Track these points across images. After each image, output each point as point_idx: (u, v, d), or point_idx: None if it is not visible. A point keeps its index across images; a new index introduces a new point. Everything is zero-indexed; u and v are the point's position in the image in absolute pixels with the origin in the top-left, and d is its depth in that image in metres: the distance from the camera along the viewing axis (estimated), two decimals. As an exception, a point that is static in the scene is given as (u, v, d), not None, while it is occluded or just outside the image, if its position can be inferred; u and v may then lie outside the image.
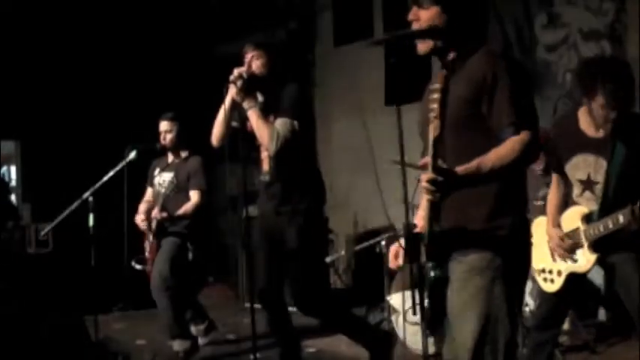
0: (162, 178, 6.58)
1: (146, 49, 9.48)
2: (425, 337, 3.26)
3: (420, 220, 3.34)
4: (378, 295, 7.00)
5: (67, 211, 6.04)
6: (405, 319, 6.00)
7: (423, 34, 3.37)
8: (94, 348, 5.70)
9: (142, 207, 6.71)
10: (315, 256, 5.34)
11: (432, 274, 3.10)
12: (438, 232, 3.03)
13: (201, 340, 6.57)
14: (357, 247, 7.95)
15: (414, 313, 3.33)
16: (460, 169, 2.95)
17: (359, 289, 8.32)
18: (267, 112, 5.10)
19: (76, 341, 5.66)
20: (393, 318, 6.42)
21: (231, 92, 5.04)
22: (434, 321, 3.18)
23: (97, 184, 5.99)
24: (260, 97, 5.20)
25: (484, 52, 3.16)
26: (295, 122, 5.00)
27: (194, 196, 6.42)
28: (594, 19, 7.23)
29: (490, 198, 3.09)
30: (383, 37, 3.56)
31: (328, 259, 7.80)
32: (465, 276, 3.09)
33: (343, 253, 8.28)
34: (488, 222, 3.09)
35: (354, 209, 8.91)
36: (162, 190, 6.49)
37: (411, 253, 3.12)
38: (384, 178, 3.67)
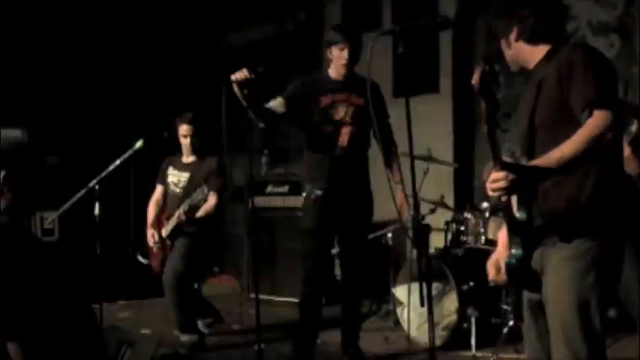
0: (178, 178, 6.57)
1: (152, 39, 9.46)
2: (432, 329, 3.25)
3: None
4: (384, 286, 6.99)
5: (72, 200, 6.04)
6: (409, 311, 6.00)
7: (432, 25, 3.37)
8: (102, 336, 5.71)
9: (151, 209, 6.71)
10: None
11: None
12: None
13: (206, 331, 6.57)
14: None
15: (422, 305, 3.30)
16: (529, 163, 2.98)
17: (365, 281, 8.29)
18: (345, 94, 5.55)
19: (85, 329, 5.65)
20: (399, 310, 6.41)
21: (240, 95, 5.09)
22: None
23: (103, 173, 5.98)
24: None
25: (567, 46, 3.16)
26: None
27: (212, 198, 6.38)
28: (604, 12, 7.19)
29: (589, 186, 3.03)
30: (391, 28, 3.54)
31: (334, 251, 7.79)
32: (560, 261, 3.08)
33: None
34: (586, 210, 3.04)
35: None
36: (178, 190, 6.49)
37: (419, 244, 3.12)
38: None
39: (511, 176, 2.88)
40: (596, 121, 2.89)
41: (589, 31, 7.29)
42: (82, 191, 5.98)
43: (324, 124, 5.53)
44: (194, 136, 6.50)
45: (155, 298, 6.73)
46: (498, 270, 3.33)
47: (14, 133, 9.42)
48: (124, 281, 8.11)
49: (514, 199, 3.08)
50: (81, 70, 9.08)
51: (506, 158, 2.96)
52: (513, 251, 3.07)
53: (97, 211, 5.98)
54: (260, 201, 7.79)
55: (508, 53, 3.29)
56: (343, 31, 5.53)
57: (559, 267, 3.08)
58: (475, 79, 2.93)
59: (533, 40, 3.20)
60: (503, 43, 3.29)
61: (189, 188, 6.39)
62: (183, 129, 6.52)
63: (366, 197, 5.71)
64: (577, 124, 2.95)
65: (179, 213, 6.25)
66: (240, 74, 4.98)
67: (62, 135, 9.05)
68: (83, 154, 8.53)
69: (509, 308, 5.91)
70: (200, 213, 6.31)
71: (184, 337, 6.35)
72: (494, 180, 2.90)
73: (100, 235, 5.97)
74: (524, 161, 3.09)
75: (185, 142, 6.54)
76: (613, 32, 7.12)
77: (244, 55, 5.19)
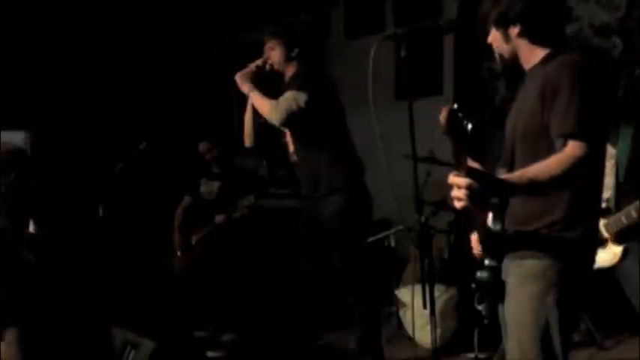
0: (211, 188, 6.80)
1: (155, 40, 9.47)
2: (434, 330, 3.27)
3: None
4: (387, 288, 7.00)
5: (76, 202, 6.09)
6: (413, 313, 6.01)
7: (435, 29, 3.35)
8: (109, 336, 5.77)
9: (179, 215, 6.95)
10: (358, 237, 5.30)
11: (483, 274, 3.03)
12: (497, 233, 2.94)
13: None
14: (367, 240, 7.93)
15: (425, 307, 3.31)
16: (503, 176, 2.83)
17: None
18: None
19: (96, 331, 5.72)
20: (402, 312, 6.42)
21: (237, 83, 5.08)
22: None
23: (108, 175, 6.01)
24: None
25: (558, 59, 2.98)
26: (302, 94, 4.95)
27: (247, 200, 6.57)
28: (605, 14, 7.20)
29: (561, 205, 2.91)
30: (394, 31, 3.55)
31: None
32: (519, 281, 3.00)
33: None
34: (553, 228, 2.94)
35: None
36: (212, 198, 6.76)
37: (422, 246, 3.11)
38: (395, 171, 3.67)
39: (475, 185, 2.70)
40: (570, 152, 2.77)
41: (591, 33, 7.31)
42: (86, 193, 6.03)
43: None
44: (217, 148, 6.74)
45: (160, 299, 6.77)
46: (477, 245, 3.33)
47: (17, 136, 9.43)
48: (128, 282, 8.13)
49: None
50: (85, 72, 9.08)
51: (473, 164, 2.86)
52: (487, 262, 3.01)
53: (100, 213, 6.02)
54: (263, 202, 7.84)
55: (503, 46, 3.12)
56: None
57: (517, 288, 3.00)
58: (443, 118, 2.88)
59: (536, 40, 3.05)
60: (497, 34, 3.12)
61: (222, 196, 6.62)
62: (205, 146, 6.78)
63: (327, 203, 5.18)
64: (552, 144, 2.85)
65: (222, 217, 6.44)
66: (252, 66, 5.06)
67: (65, 137, 9.06)
68: (86, 156, 8.55)
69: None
70: (237, 214, 6.47)
71: (226, 336, 6.60)
72: (457, 186, 2.71)
73: (104, 236, 6.00)
74: (502, 172, 3.03)
75: (211, 154, 6.77)
76: (615, 34, 7.13)
77: (247, 57, 5.19)
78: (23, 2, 8.72)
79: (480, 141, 2.90)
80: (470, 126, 2.78)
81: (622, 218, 4.27)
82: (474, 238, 3.35)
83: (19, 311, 5.16)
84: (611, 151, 4.34)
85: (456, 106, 2.84)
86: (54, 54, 8.92)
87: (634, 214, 4.22)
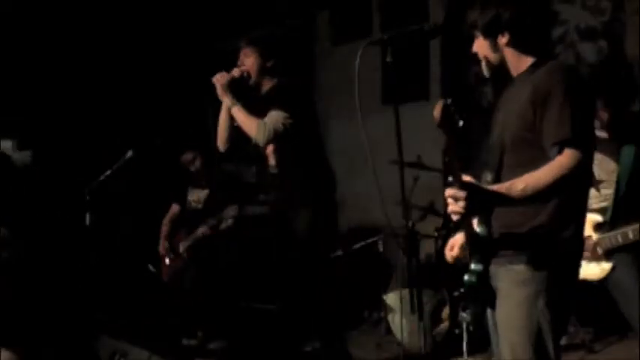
0: (198, 196, 6.79)
1: (144, 46, 9.45)
2: (423, 335, 3.27)
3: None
4: (376, 294, 7.00)
5: (63, 210, 6.08)
6: (402, 318, 6.01)
7: (421, 34, 3.35)
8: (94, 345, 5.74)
9: (166, 224, 6.94)
10: (315, 253, 5.27)
11: (470, 277, 3.04)
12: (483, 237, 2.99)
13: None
14: (355, 246, 7.93)
15: (413, 312, 3.31)
16: (491, 186, 2.87)
17: (356, 288, 8.31)
18: (262, 107, 5.09)
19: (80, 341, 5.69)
20: (390, 317, 6.42)
21: (218, 93, 5.06)
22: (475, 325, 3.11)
23: (94, 183, 6.00)
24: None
25: (548, 66, 3.01)
26: (287, 115, 4.97)
27: (232, 209, 6.56)
28: (592, 18, 7.22)
29: (548, 208, 2.93)
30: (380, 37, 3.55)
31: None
32: (510, 285, 3.01)
33: (340, 252, 8.27)
34: (540, 231, 2.96)
35: (351, 208, 8.90)
36: (199, 207, 6.69)
37: (409, 249, 3.11)
38: (382, 176, 3.66)
39: (470, 197, 2.77)
40: (566, 161, 2.81)
41: (577, 36, 7.32)
42: (73, 201, 6.02)
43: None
44: (200, 158, 6.75)
45: (150, 306, 6.76)
46: (452, 248, 3.32)
47: (5, 144, 9.41)
48: (115, 290, 8.11)
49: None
50: (72, 79, 9.06)
51: (466, 177, 2.87)
52: (473, 267, 3.01)
53: (87, 221, 6.01)
54: (251, 209, 7.85)
55: (490, 55, 3.14)
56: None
57: (508, 292, 3.02)
58: (436, 112, 2.88)
59: (524, 48, 3.08)
60: (484, 43, 3.14)
61: (209, 204, 6.61)
62: (188, 157, 6.77)
63: (297, 217, 5.20)
64: (542, 151, 2.89)
65: (205, 228, 6.44)
66: (229, 75, 5.05)
67: (52, 146, 9.05)
68: (74, 165, 8.53)
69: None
70: (223, 226, 6.46)
71: (213, 344, 6.59)
72: (454, 198, 2.79)
73: (92, 244, 5.99)
74: (488, 176, 3.06)
75: (195, 165, 6.78)
76: (601, 37, 7.14)
77: (233, 62, 5.18)
78: (12, 15, 8.71)
79: (467, 139, 2.91)
80: (461, 122, 2.81)
81: (618, 237, 4.28)
82: (451, 242, 3.35)
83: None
84: (612, 165, 4.35)
85: (449, 100, 2.85)
86: (41, 63, 8.91)
87: (631, 236, 4.22)
